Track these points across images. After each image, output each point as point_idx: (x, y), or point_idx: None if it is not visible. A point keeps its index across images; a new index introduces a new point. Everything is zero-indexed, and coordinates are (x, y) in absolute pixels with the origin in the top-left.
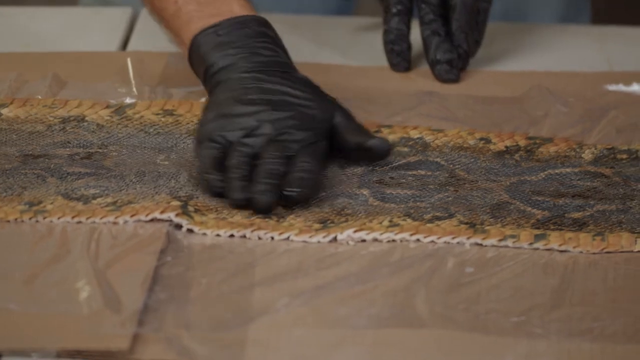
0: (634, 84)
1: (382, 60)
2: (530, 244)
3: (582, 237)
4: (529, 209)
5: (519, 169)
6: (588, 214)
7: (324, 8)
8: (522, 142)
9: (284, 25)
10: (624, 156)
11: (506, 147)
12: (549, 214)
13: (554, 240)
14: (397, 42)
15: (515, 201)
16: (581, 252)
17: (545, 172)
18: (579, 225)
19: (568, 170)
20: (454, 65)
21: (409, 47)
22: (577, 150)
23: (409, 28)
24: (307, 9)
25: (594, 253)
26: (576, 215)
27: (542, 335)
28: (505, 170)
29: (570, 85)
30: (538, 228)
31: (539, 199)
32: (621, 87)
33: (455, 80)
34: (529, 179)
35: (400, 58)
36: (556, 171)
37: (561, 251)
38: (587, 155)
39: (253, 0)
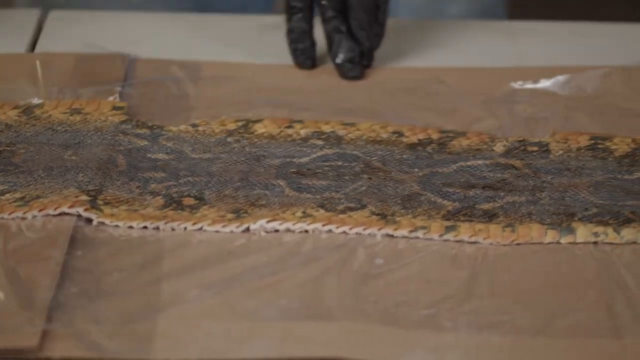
0: (542, 79)
1: (289, 59)
2: (441, 235)
3: (492, 228)
4: (440, 200)
5: (432, 161)
6: (498, 205)
7: None
8: (435, 136)
9: (188, 23)
10: (535, 148)
11: (419, 140)
12: (460, 205)
13: (464, 231)
14: (299, 40)
15: (426, 192)
16: (491, 243)
17: (457, 165)
18: (489, 217)
19: (479, 162)
20: (356, 62)
21: (313, 44)
22: (489, 143)
23: (311, 25)
24: None
25: (504, 245)
26: (486, 206)
27: (451, 329)
28: (418, 162)
29: (479, 80)
30: (448, 219)
31: (450, 190)
32: (529, 82)
33: (359, 77)
34: (440, 170)
35: (304, 56)
36: (467, 163)
37: (471, 243)
38: (499, 147)
39: None
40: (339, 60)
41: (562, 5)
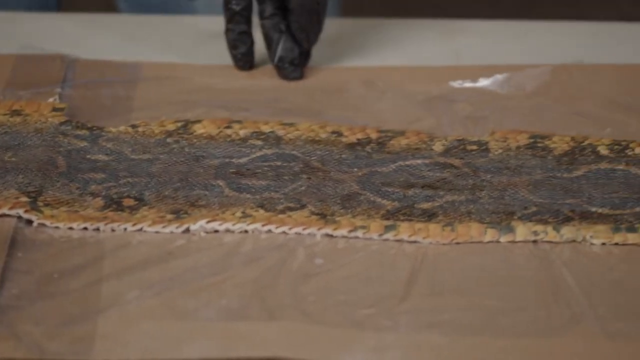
0: (481, 78)
1: (228, 59)
2: (380, 234)
3: (431, 227)
4: (379, 199)
5: (371, 161)
6: (437, 204)
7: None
8: (374, 135)
9: (128, 24)
10: (474, 147)
11: (358, 139)
12: (399, 204)
13: (404, 231)
14: (238, 40)
15: (365, 192)
16: (431, 242)
17: (396, 164)
18: (429, 216)
19: (418, 161)
20: (296, 63)
21: (252, 44)
22: (428, 142)
23: (249, 25)
24: None
25: (443, 244)
26: (426, 205)
27: (391, 328)
28: (357, 162)
29: (417, 79)
30: (388, 219)
31: (389, 190)
32: (468, 81)
33: (299, 78)
34: (379, 170)
35: (243, 56)
36: (407, 163)
37: (411, 242)
38: (438, 146)
39: None
40: (278, 61)
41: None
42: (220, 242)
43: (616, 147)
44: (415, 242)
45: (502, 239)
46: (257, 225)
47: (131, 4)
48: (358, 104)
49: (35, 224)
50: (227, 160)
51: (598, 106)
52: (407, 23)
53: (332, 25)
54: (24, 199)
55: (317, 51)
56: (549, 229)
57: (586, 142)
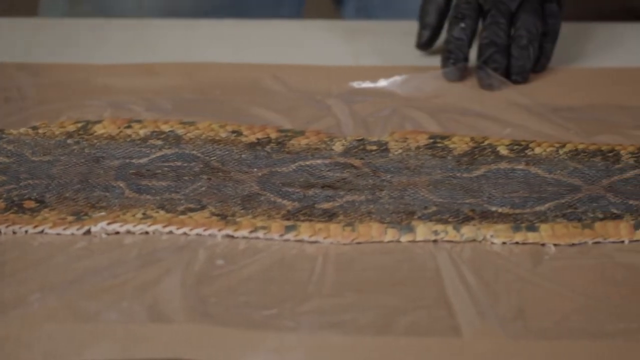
0: (381, 79)
1: (131, 58)
2: (281, 235)
3: (332, 227)
4: (280, 200)
5: (271, 161)
6: (338, 204)
7: None
8: (274, 135)
9: (28, 26)
10: (374, 147)
11: (258, 139)
12: (299, 204)
13: (305, 231)
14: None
15: (266, 192)
16: (332, 242)
17: (296, 164)
18: (329, 216)
19: (318, 161)
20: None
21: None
22: (328, 142)
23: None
24: None
25: (344, 244)
26: (326, 205)
27: (292, 329)
28: (257, 162)
29: (318, 79)
30: (288, 219)
31: (290, 190)
32: (368, 82)
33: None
34: (279, 170)
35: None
36: (307, 163)
37: (312, 242)
38: (338, 147)
39: None
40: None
41: None
42: (121, 243)
43: (516, 147)
44: (316, 242)
45: (403, 239)
46: (158, 227)
47: None
48: (258, 102)
49: None
50: (127, 160)
51: (498, 107)
52: (308, 23)
53: (237, 25)
54: None
55: (221, 48)
56: (449, 228)
57: (486, 142)
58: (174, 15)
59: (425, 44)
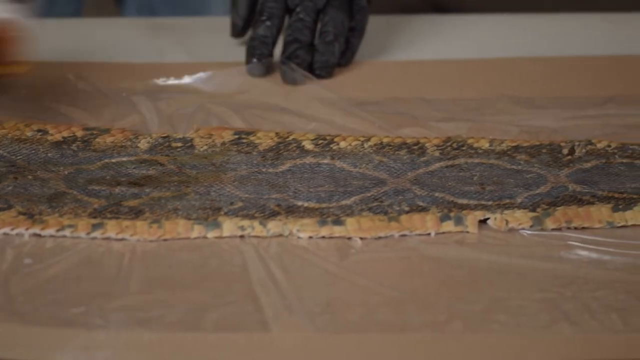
0: (185, 76)
1: None
2: (88, 233)
3: (139, 225)
4: (86, 198)
5: (77, 159)
6: (144, 201)
7: None
8: (80, 133)
9: None
10: (179, 144)
11: (64, 137)
12: (106, 202)
13: (111, 229)
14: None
15: (72, 191)
16: (139, 240)
17: (102, 162)
18: (136, 213)
19: (124, 159)
20: None
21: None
22: (134, 140)
23: None
24: None
25: (151, 241)
26: (132, 203)
27: (101, 326)
28: (63, 161)
29: (121, 76)
30: (95, 217)
31: (96, 188)
32: (172, 79)
33: None
34: (85, 168)
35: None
36: (113, 160)
37: (119, 240)
38: (143, 144)
39: None
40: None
41: None
42: None
43: (321, 141)
44: (123, 239)
45: (210, 235)
46: None
47: None
48: (63, 101)
49: None
50: None
51: (303, 102)
52: (112, 21)
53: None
54: None
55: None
56: (256, 223)
57: (291, 138)
58: None
59: (239, 34)
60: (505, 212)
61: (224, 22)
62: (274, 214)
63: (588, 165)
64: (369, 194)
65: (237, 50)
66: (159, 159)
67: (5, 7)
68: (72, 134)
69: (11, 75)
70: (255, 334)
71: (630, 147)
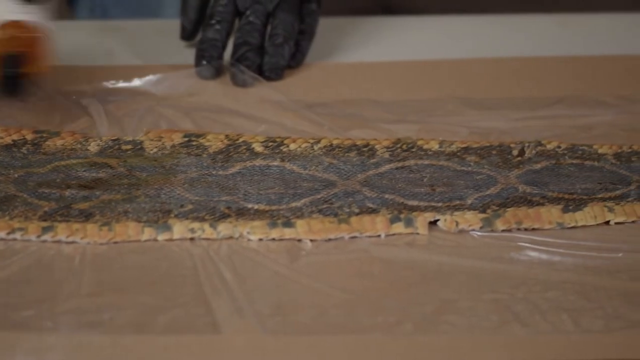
0: (135, 78)
1: None
2: (38, 236)
3: (89, 227)
4: (36, 201)
5: (27, 162)
6: (94, 204)
7: None
8: (30, 136)
9: None
10: (129, 147)
11: (13, 140)
12: (56, 205)
13: (62, 232)
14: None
15: (22, 194)
16: (89, 242)
17: (52, 165)
18: (86, 216)
19: (74, 162)
20: None
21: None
22: (84, 142)
23: None
24: None
25: (101, 243)
26: (82, 205)
27: (52, 329)
28: (13, 164)
29: (71, 79)
30: (45, 220)
31: (46, 191)
32: (122, 81)
33: None
34: (35, 171)
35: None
36: (63, 163)
37: (69, 242)
38: (93, 147)
39: None
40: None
41: None
42: None
43: (271, 143)
44: (73, 242)
45: (160, 237)
46: None
47: None
48: (14, 104)
49: None
50: None
51: (252, 104)
52: (66, 24)
53: None
54: None
55: None
56: (206, 226)
57: (241, 140)
58: None
59: (189, 37)
60: (456, 213)
61: (175, 25)
62: (224, 216)
63: (538, 166)
64: (319, 196)
65: (186, 53)
66: (109, 162)
67: (26, 9)
68: (22, 137)
69: (35, 75)
70: (206, 336)
71: (580, 147)
